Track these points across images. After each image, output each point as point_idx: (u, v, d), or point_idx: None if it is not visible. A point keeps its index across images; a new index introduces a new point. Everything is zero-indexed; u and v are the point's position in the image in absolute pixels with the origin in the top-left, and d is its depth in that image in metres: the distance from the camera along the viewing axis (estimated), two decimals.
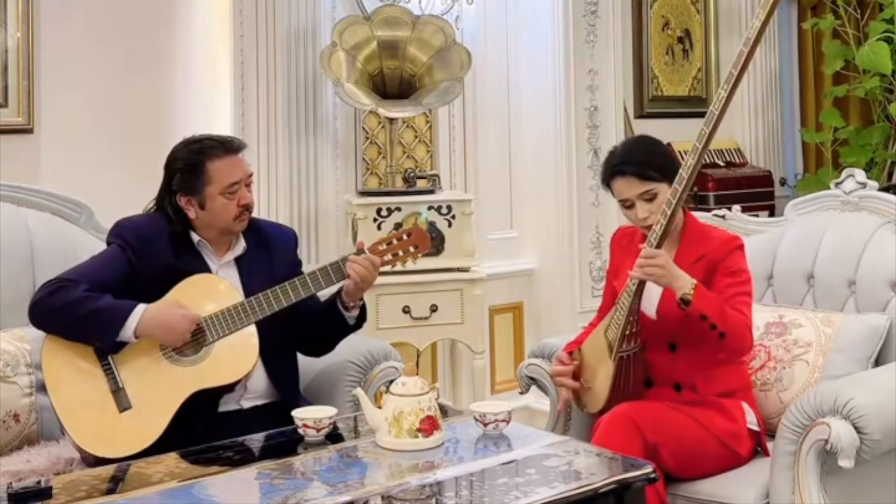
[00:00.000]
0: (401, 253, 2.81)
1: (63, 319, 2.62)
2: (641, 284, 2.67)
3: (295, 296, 2.70)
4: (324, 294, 2.84)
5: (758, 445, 2.79)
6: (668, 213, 2.59)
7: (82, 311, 2.60)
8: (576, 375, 2.86)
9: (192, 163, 2.75)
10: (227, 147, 2.78)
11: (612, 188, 2.80)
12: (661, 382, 2.79)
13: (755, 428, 2.78)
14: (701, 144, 2.55)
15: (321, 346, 2.93)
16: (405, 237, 2.82)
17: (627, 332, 2.69)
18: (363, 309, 2.87)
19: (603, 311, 3.00)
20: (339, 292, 2.82)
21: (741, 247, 2.79)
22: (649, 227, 2.73)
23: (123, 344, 2.63)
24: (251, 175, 2.82)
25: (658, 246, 2.62)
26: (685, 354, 2.74)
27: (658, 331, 2.74)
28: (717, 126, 2.55)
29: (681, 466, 2.65)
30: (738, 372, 2.84)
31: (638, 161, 2.75)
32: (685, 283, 2.59)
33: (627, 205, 2.77)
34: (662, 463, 2.58)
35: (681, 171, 2.58)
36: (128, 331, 2.60)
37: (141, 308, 2.61)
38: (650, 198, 2.73)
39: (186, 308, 2.65)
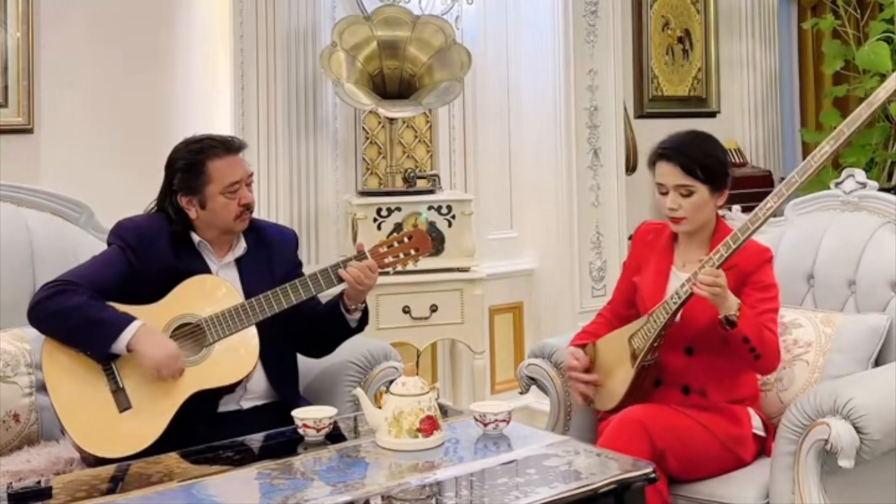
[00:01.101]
0: (402, 255, 2.81)
1: (59, 325, 2.62)
2: (683, 304, 2.65)
3: (295, 297, 2.70)
4: (326, 295, 2.85)
5: (762, 449, 2.78)
6: (734, 247, 2.57)
7: (78, 319, 2.59)
8: (587, 370, 2.84)
9: (192, 162, 2.75)
10: (228, 147, 2.78)
11: (656, 168, 2.78)
12: (670, 383, 2.78)
13: (761, 433, 2.77)
14: (788, 190, 2.57)
15: (322, 348, 2.93)
16: (406, 240, 2.82)
17: (655, 345, 2.69)
18: (365, 312, 2.87)
19: (615, 304, 2.98)
20: (341, 295, 2.82)
21: (770, 259, 2.79)
22: (674, 220, 2.75)
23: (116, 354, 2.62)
24: (251, 175, 2.82)
25: (718, 268, 2.60)
26: (701, 359, 2.73)
27: (678, 333, 2.72)
28: (808, 178, 2.59)
29: (685, 470, 2.65)
30: (749, 380, 2.83)
31: (689, 154, 2.72)
32: (732, 305, 2.58)
33: (663, 191, 2.75)
34: (667, 466, 2.58)
35: (757, 210, 2.57)
36: (120, 344, 2.58)
37: (137, 324, 2.60)
38: (686, 193, 2.71)
39: (187, 315, 2.65)
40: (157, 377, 2.58)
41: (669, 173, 2.73)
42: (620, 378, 2.74)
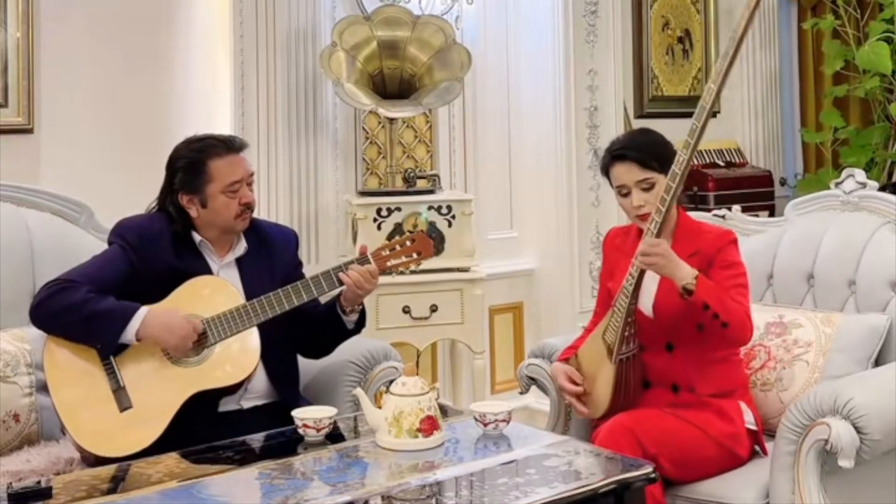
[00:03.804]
0: (403, 259, 2.80)
1: (65, 321, 2.62)
2: (638, 284, 2.66)
3: (297, 299, 2.71)
4: (327, 296, 2.85)
5: (756, 444, 2.79)
6: (664, 208, 2.58)
7: (84, 313, 2.60)
8: (575, 383, 2.85)
9: (193, 161, 2.75)
10: (229, 146, 2.78)
11: (611, 174, 2.80)
12: (658, 383, 2.79)
13: (753, 427, 2.78)
14: (693, 139, 2.55)
15: (319, 349, 2.93)
16: (408, 243, 2.82)
17: (626, 334, 2.69)
18: (362, 314, 2.88)
19: (598, 316, 2.98)
20: (338, 296, 2.82)
21: (734, 241, 2.80)
22: (642, 217, 2.74)
23: (125, 346, 2.63)
24: (252, 174, 2.82)
25: (657, 236, 2.61)
26: (682, 354, 2.74)
27: (655, 330, 2.74)
28: (707, 121, 2.57)
29: (681, 472, 2.65)
30: (735, 371, 2.84)
31: (640, 149, 2.76)
32: (687, 274, 2.59)
33: (624, 192, 2.77)
34: (662, 471, 2.56)
35: (673, 167, 2.58)
36: (129, 333, 2.60)
37: (143, 311, 2.62)
38: (647, 187, 2.73)
39: (189, 315, 2.66)
40: (181, 346, 2.62)
41: (627, 172, 2.76)
42: (604, 381, 2.75)
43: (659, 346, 2.76)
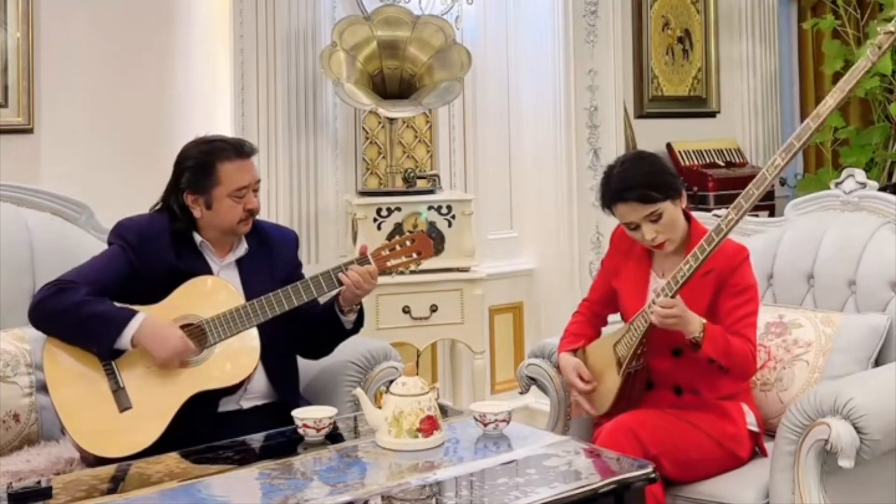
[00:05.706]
0: (403, 259, 2.80)
1: (62, 323, 2.63)
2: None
3: (297, 299, 2.71)
4: (326, 297, 2.85)
5: (756, 446, 2.79)
6: (696, 265, 2.58)
7: (81, 315, 2.60)
8: (585, 380, 2.85)
9: (203, 162, 2.75)
10: (239, 150, 2.78)
11: (615, 212, 2.76)
12: (661, 385, 2.79)
13: (754, 429, 2.78)
14: (747, 202, 2.59)
15: (318, 349, 2.93)
16: (409, 243, 2.82)
17: (638, 352, 2.70)
18: (361, 313, 2.88)
19: (592, 303, 2.98)
20: (336, 296, 2.82)
21: (747, 258, 2.78)
22: (659, 247, 2.73)
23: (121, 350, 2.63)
24: (259, 181, 2.83)
25: (674, 296, 2.61)
26: (689, 360, 2.72)
27: (664, 337, 2.72)
28: (764, 191, 2.64)
29: (682, 472, 2.65)
30: None
31: (638, 184, 2.69)
32: (696, 327, 2.61)
33: (633, 227, 2.74)
34: (663, 472, 2.57)
35: (720, 222, 2.58)
36: (125, 339, 2.59)
37: (140, 317, 2.61)
38: (655, 218, 2.70)
39: (189, 315, 2.65)
40: (170, 361, 2.61)
41: (632, 211, 2.71)
42: (609, 384, 2.76)
43: (666, 350, 2.75)
